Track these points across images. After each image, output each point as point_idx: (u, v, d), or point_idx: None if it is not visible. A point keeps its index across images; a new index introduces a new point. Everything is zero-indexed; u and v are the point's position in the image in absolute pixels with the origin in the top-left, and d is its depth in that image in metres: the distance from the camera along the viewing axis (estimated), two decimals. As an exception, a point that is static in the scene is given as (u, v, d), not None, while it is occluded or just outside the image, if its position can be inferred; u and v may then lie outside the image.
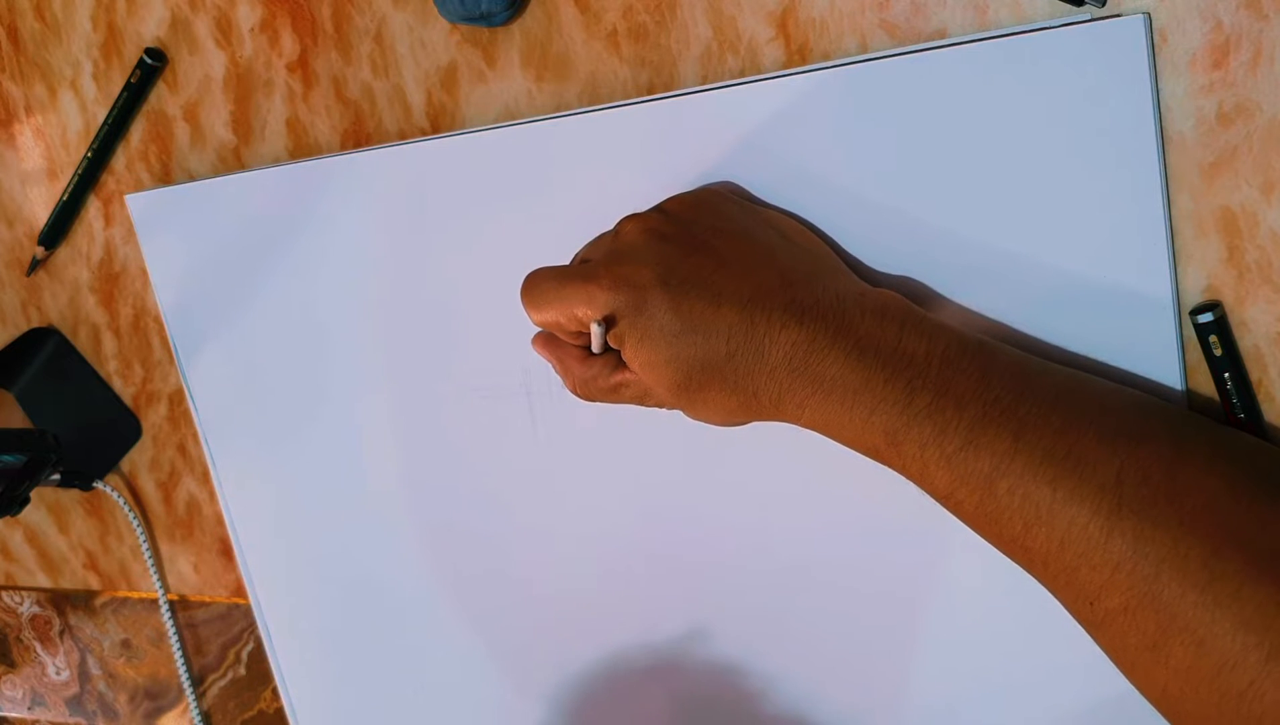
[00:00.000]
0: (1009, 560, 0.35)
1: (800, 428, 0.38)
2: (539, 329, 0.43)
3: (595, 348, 0.41)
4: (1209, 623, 0.30)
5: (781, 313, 0.36)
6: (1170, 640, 0.31)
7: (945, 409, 0.34)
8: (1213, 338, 0.37)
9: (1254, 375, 0.37)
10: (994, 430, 0.33)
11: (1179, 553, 0.31)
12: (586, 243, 0.44)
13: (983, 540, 0.36)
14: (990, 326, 0.40)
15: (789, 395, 0.37)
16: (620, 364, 0.41)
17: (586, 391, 0.42)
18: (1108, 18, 0.36)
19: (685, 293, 0.38)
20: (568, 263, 0.44)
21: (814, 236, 0.41)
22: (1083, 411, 0.34)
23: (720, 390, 0.38)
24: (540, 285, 0.41)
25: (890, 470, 0.36)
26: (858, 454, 0.37)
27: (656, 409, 0.42)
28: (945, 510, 0.36)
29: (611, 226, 0.44)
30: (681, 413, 0.41)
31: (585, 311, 0.39)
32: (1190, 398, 0.38)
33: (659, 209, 0.41)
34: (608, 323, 0.38)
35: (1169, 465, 0.32)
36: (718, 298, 0.37)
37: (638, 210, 0.43)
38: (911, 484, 0.36)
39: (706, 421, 0.40)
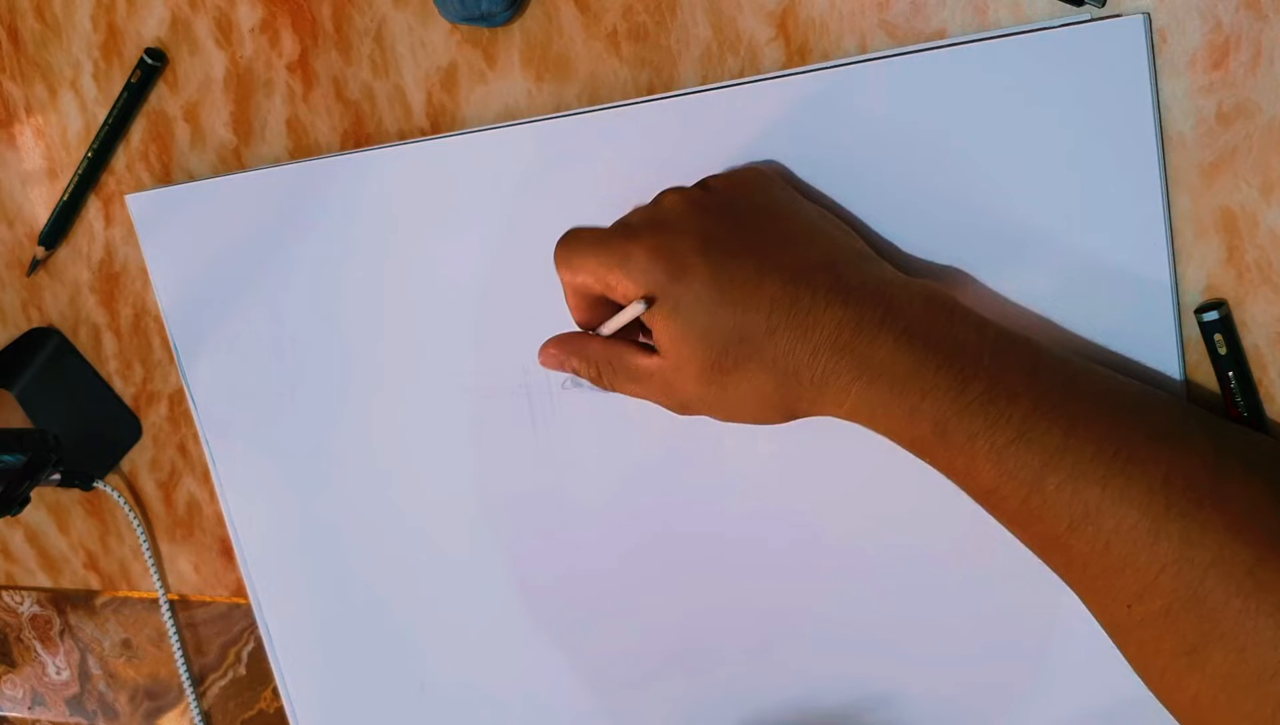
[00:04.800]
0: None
1: (807, 424, 0.38)
2: (542, 331, 0.42)
3: (608, 328, 0.39)
4: (1252, 630, 0.30)
5: (827, 291, 0.35)
6: (1210, 646, 0.31)
7: (998, 400, 0.33)
8: (1217, 336, 0.37)
9: (1254, 375, 0.37)
10: (1045, 425, 0.33)
11: (1224, 557, 0.30)
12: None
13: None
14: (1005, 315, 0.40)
15: (833, 378, 0.35)
16: (645, 351, 0.39)
17: (608, 377, 0.40)
18: (1107, 18, 0.36)
19: (726, 264, 0.36)
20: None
21: (850, 230, 0.40)
22: (1129, 411, 0.33)
23: (757, 370, 0.36)
24: (578, 244, 0.39)
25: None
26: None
27: (680, 417, 0.41)
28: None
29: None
30: (709, 416, 0.39)
31: (618, 275, 0.38)
32: (1190, 399, 0.38)
33: (702, 184, 0.40)
34: (648, 301, 0.37)
35: (1214, 469, 0.32)
36: (760, 270, 0.36)
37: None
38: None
39: (737, 416, 0.39)
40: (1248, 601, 0.30)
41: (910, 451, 0.36)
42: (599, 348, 0.41)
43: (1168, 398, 0.35)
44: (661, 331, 0.37)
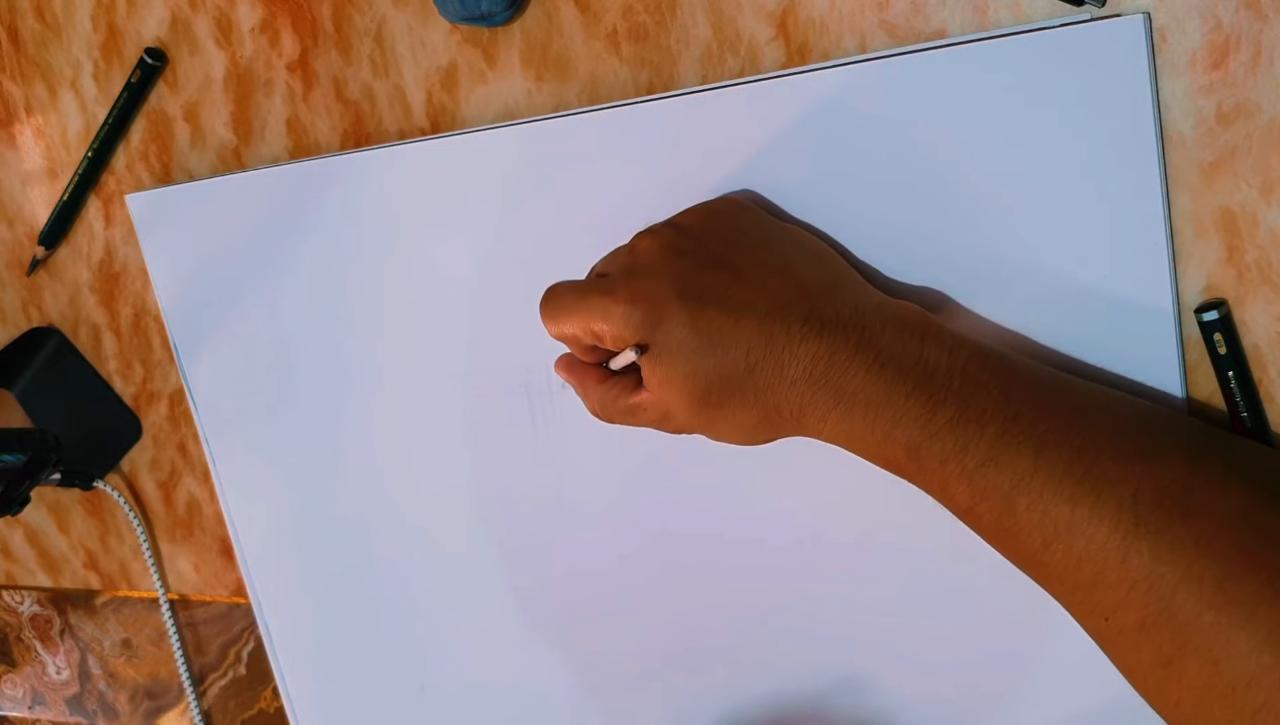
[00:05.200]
0: (1000, 566, 0.35)
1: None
2: (542, 330, 0.42)
3: (615, 365, 0.41)
4: (1224, 643, 0.30)
5: (801, 325, 0.36)
6: (1185, 657, 0.31)
7: (967, 424, 0.34)
8: (1217, 336, 0.37)
9: (1254, 375, 0.37)
10: (1015, 447, 0.33)
11: (1194, 573, 0.31)
12: (602, 257, 0.44)
13: (973, 550, 0.36)
14: (990, 328, 0.40)
15: (810, 409, 0.36)
16: (640, 385, 0.41)
17: (606, 413, 0.42)
18: (1107, 18, 0.36)
19: (702, 307, 0.37)
20: (583, 275, 0.44)
21: (828, 247, 0.41)
22: (1101, 429, 0.34)
23: (741, 405, 0.38)
24: (559, 299, 0.41)
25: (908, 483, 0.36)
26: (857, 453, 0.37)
27: (677, 436, 0.42)
28: (948, 516, 0.36)
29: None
30: (703, 436, 0.40)
31: (601, 326, 0.39)
32: (1189, 399, 0.38)
33: (673, 224, 0.41)
34: (640, 349, 0.38)
35: (1184, 484, 0.32)
36: (736, 311, 0.37)
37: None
38: (916, 490, 0.36)
39: (729, 441, 0.40)
40: (1219, 615, 0.30)
41: (889, 472, 0.37)
42: (597, 386, 0.42)
43: (1145, 408, 0.35)
44: (649, 375, 0.39)
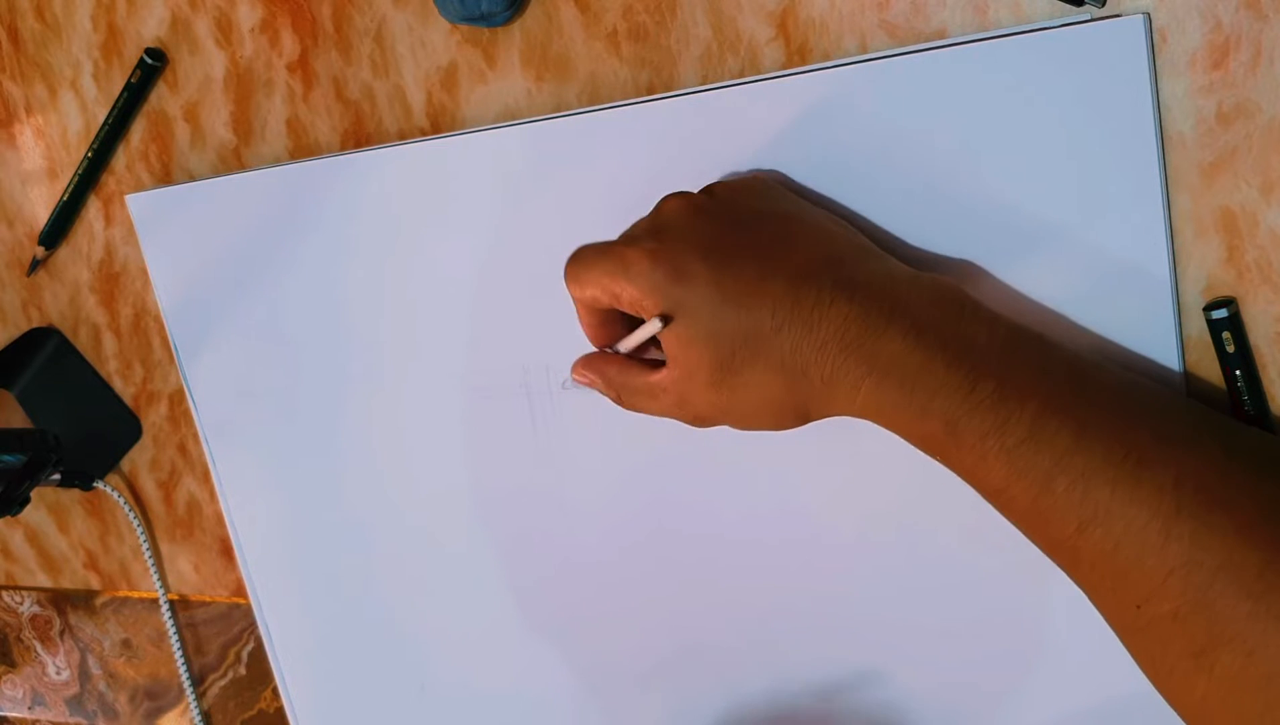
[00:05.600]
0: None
1: (814, 426, 0.37)
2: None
3: (625, 345, 0.40)
4: (1260, 633, 0.30)
5: (831, 288, 0.35)
6: (1218, 648, 0.30)
7: (1009, 399, 0.33)
8: (1225, 334, 0.37)
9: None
10: (1055, 426, 0.32)
11: (1234, 560, 0.30)
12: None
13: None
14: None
15: (841, 376, 0.35)
16: (657, 367, 0.40)
17: (629, 397, 0.41)
18: (1107, 18, 0.36)
19: (728, 266, 0.36)
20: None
21: (854, 229, 0.40)
22: (1139, 413, 0.33)
23: (765, 371, 0.36)
24: (583, 258, 0.40)
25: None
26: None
27: (696, 428, 0.41)
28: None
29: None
30: (725, 425, 0.39)
31: (621, 285, 0.38)
32: (1189, 400, 0.38)
33: (706, 189, 0.40)
34: (664, 319, 0.37)
35: (1223, 472, 0.32)
36: (762, 271, 0.36)
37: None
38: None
39: (751, 423, 0.38)
40: (1257, 604, 0.30)
41: (920, 449, 0.36)
42: (615, 370, 0.41)
43: (1178, 397, 0.35)
44: (669, 338, 0.38)
